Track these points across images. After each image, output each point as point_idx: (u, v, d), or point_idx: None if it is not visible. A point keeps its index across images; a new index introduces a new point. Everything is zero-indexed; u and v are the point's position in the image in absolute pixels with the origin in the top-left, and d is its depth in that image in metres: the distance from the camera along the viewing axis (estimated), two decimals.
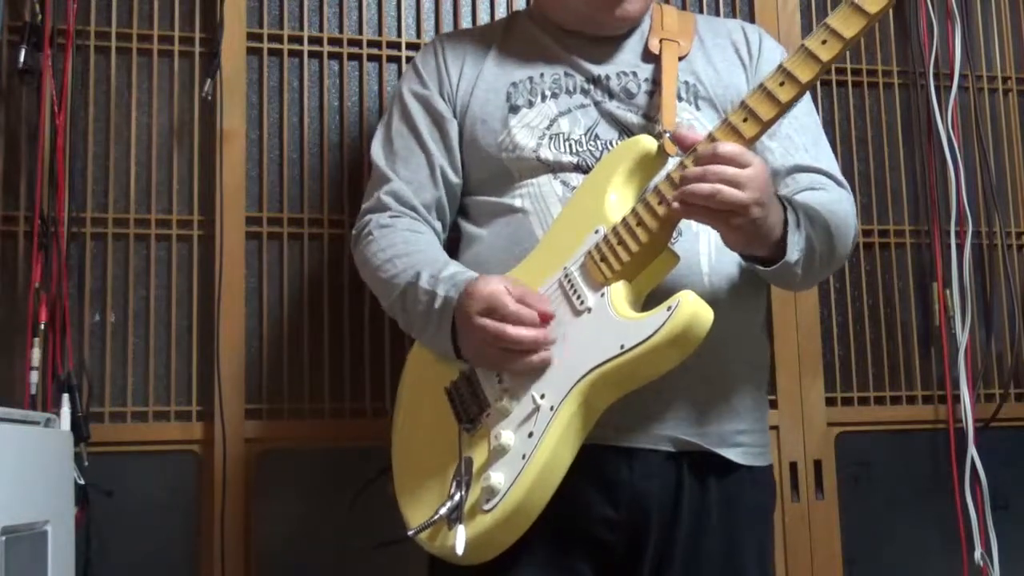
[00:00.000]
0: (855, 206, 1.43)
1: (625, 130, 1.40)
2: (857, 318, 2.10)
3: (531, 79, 1.45)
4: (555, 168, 1.39)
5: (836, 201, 1.38)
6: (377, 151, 1.51)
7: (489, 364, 1.29)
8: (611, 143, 1.39)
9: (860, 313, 2.11)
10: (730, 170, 1.17)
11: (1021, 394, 2.14)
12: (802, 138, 1.43)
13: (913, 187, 2.16)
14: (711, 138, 1.23)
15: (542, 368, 1.25)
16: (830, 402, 2.03)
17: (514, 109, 1.43)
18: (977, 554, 2.01)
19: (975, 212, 2.16)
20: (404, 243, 1.41)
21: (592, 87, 1.43)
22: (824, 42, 1.19)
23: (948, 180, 2.14)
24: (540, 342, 1.24)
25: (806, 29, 2.12)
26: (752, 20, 2.08)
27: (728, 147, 1.19)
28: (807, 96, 1.48)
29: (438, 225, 1.48)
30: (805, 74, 1.19)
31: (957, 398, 2.07)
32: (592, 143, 1.40)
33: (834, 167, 1.45)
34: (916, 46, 2.18)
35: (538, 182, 1.39)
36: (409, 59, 1.86)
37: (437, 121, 1.48)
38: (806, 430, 2.00)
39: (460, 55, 1.50)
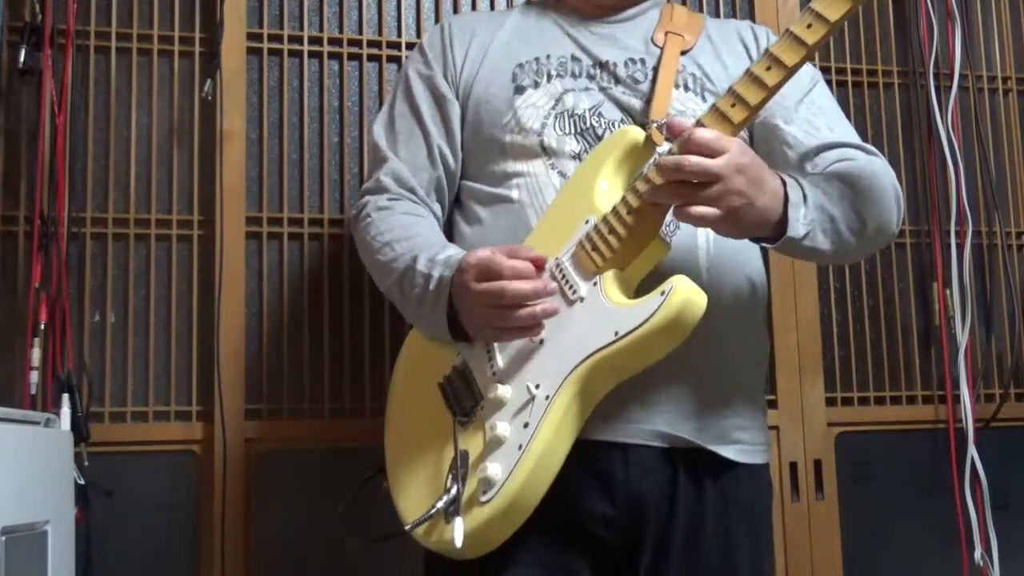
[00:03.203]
0: (891, 170, 1.39)
1: (627, 114, 1.40)
2: (857, 318, 2.10)
3: (537, 60, 1.45)
4: (555, 154, 1.39)
5: (864, 167, 1.36)
6: (379, 132, 1.51)
7: (494, 331, 1.28)
8: (614, 123, 1.39)
9: (860, 313, 2.11)
10: (704, 162, 1.17)
11: (1021, 394, 2.14)
12: (822, 120, 1.43)
13: (913, 187, 2.16)
14: (699, 125, 1.23)
15: (547, 316, 1.24)
16: (830, 402, 2.03)
17: (520, 90, 1.43)
18: (977, 554, 2.01)
19: (975, 212, 2.16)
20: (403, 227, 1.41)
21: (599, 72, 1.44)
22: (809, 26, 1.20)
23: (948, 180, 2.14)
24: (539, 291, 1.24)
25: None
26: (752, 20, 2.08)
27: (702, 134, 1.19)
28: (821, 81, 1.48)
29: (437, 208, 1.47)
30: (791, 58, 1.20)
31: (957, 398, 2.07)
32: (596, 119, 1.40)
33: (861, 141, 1.43)
34: (916, 46, 2.18)
35: (535, 172, 1.39)
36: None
37: (439, 102, 1.48)
38: (806, 430, 2.00)
39: (466, 36, 1.51)
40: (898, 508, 2.04)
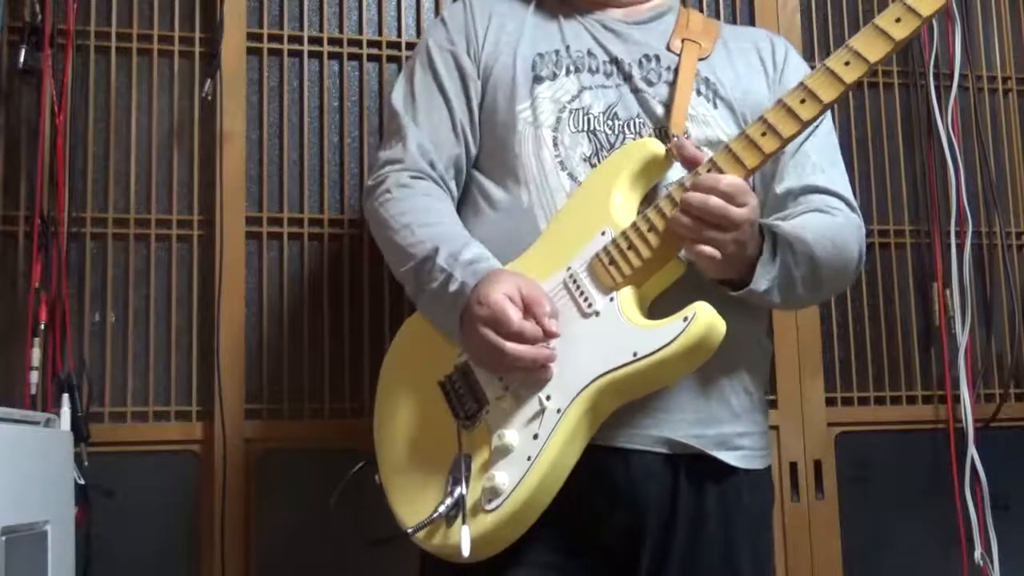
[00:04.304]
0: (863, 231, 1.41)
1: (643, 112, 1.40)
2: (857, 318, 2.10)
3: (557, 52, 1.44)
4: (566, 155, 1.38)
5: (838, 227, 1.37)
6: (398, 100, 1.48)
7: (487, 368, 1.29)
8: (628, 124, 1.39)
9: (860, 313, 2.11)
10: (730, 209, 1.19)
11: (1021, 394, 2.14)
12: (820, 157, 1.42)
13: (913, 187, 2.16)
14: (727, 150, 1.23)
15: (541, 380, 1.24)
16: (830, 402, 2.03)
17: (538, 79, 1.42)
18: (977, 554, 2.01)
19: (975, 212, 2.16)
20: (425, 211, 1.38)
21: (615, 70, 1.43)
22: (847, 63, 1.20)
23: (948, 180, 2.14)
24: (538, 360, 1.23)
25: (806, 30, 2.12)
26: (752, 21, 2.08)
27: (732, 182, 1.20)
28: (827, 114, 1.48)
29: (453, 187, 1.45)
30: (828, 94, 1.20)
31: (957, 398, 2.07)
32: (609, 122, 1.39)
33: (847, 190, 1.44)
34: (916, 46, 2.18)
35: (545, 171, 1.38)
36: (409, 59, 1.87)
37: (463, 78, 1.46)
38: (806, 430, 2.00)
39: (486, 17, 1.49)
40: (898, 508, 2.04)
